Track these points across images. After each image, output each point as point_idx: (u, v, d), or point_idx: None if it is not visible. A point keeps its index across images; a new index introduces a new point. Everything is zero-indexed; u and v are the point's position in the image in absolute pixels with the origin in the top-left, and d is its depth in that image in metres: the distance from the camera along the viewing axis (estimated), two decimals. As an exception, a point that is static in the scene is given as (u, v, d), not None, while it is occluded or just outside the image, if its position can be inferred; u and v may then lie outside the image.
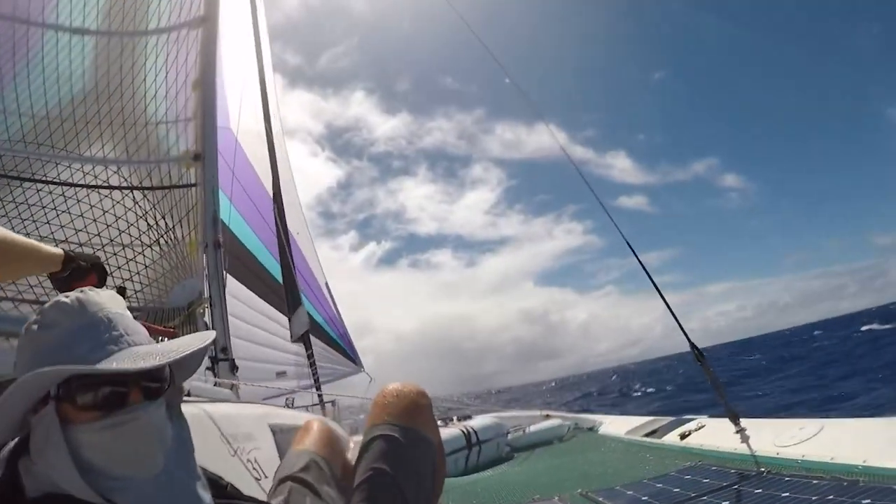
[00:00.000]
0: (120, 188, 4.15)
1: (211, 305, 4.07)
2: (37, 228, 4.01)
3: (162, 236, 4.10)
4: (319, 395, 6.82)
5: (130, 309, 1.02)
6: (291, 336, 6.59)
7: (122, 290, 1.29)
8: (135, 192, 4.16)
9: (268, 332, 7.31)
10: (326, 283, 8.52)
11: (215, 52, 4.30)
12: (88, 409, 0.85)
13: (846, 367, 17.24)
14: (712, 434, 3.30)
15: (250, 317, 7.26)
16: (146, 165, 4.18)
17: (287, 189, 8.21)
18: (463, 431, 4.17)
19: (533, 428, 4.69)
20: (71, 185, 4.10)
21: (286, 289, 6.68)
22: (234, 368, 4.04)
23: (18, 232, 3.84)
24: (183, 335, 1.03)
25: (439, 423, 4.16)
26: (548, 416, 5.26)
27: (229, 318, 7.06)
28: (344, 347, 8.53)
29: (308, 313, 7.96)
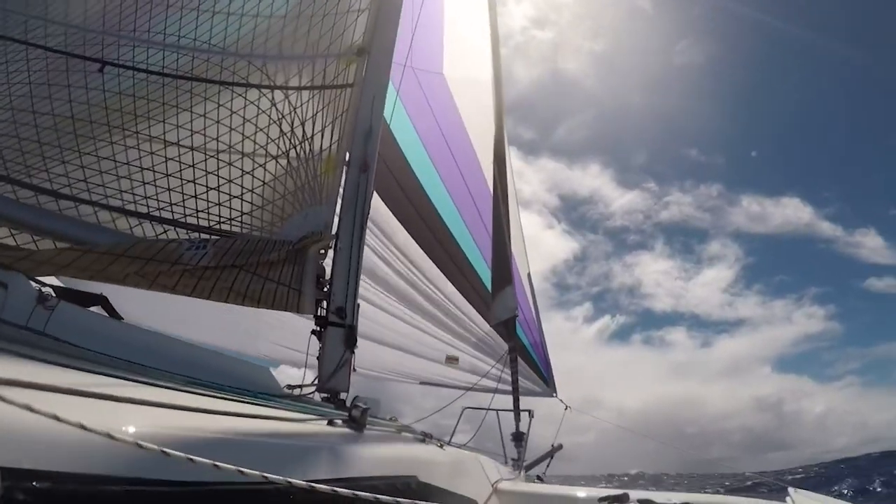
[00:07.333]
0: (259, 86, 3.07)
1: (336, 245, 2.61)
2: (150, 124, 3.03)
3: (295, 147, 2.84)
4: (516, 402, 5.32)
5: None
6: (491, 319, 5.14)
7: None
8: (275, 91, 3.03)
9: (441, 305, 5.83)
10: (536, 305, 6.85)
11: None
12: None
13: None
14: None
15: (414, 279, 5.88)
16: (297, 62, 3.08)
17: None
18: None
19: None
20: (202, 80, 3.12)
21: (495, 260, 5.24)
22: (351, 342, 2.46)
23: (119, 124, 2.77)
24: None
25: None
26: None
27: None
28: (541, 370, 6.82)
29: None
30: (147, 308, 4.21)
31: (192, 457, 0.95)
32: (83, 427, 0.89)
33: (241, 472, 1.00)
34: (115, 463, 0.92)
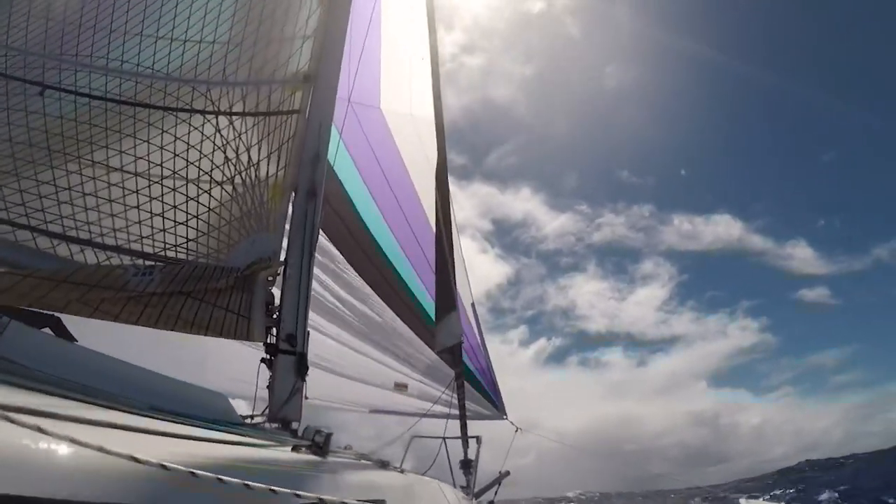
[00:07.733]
0: (203, 112, 3.10)
1: (285, 272, 2.68)
2: (90, 148, 3.01)
3: (241, 173, 2.89)
4: (464, 429, 5.32)
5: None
6: (436, 346, 5.10)
7: None
8: (219, 117, 3.07)
9: (387, 332, 5.79)
10: (481, 331, 6.83)
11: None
12: None
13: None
14: None
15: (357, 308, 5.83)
16: (241, 88, 3.12)
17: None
18: None
19: None
20: (146, 105, 3.13)
21: (438, 287, 5.23)
22: (302, 370, 2.54)
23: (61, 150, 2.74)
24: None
25: None
26: None
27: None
28: (490, 394, 6.77)
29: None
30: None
31: (221, 477, 0.94)
32: (103, 450, 0.87)
33: (273, 490, 1.00)
34: (140, 488, 0.92)
